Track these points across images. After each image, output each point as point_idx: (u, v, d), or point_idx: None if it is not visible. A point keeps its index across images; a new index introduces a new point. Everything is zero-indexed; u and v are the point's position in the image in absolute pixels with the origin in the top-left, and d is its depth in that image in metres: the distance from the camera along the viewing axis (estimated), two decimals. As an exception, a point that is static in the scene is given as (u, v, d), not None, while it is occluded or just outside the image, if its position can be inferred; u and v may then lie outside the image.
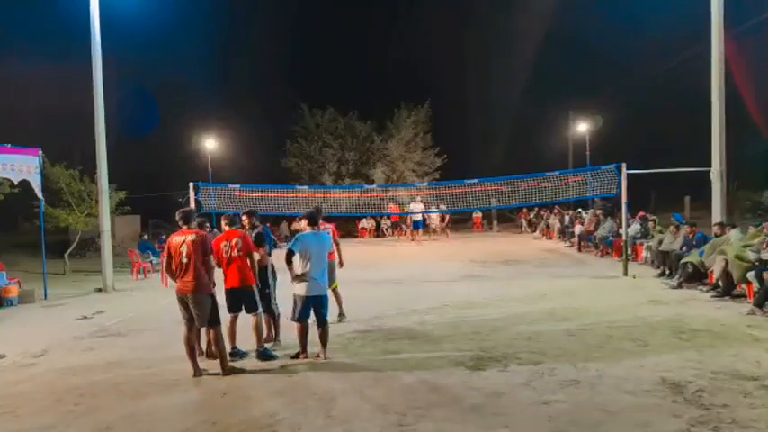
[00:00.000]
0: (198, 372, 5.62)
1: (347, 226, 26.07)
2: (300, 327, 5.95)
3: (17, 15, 32.90)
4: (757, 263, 8.12)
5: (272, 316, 6.74)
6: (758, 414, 4.21)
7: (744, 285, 8.42)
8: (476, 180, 15.41)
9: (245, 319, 6.21)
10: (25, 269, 15.57)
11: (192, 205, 11.91)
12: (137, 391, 5.34)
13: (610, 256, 14.62)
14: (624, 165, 11.40)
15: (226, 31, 44.39)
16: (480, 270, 13.24)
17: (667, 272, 10.99)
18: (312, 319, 5.99)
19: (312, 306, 5.93)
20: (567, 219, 19.63)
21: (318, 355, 6.02)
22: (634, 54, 31.61)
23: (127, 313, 9.42)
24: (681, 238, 11.11)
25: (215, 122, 31.82)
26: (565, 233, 19.10)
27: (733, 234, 9.47)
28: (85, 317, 9.29)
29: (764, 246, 8.28)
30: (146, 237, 18.79)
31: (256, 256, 6.24)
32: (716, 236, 9.93)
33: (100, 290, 12.34)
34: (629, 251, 12.64)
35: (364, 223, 26.80)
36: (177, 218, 5.72)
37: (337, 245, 7.79)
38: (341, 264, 7.92)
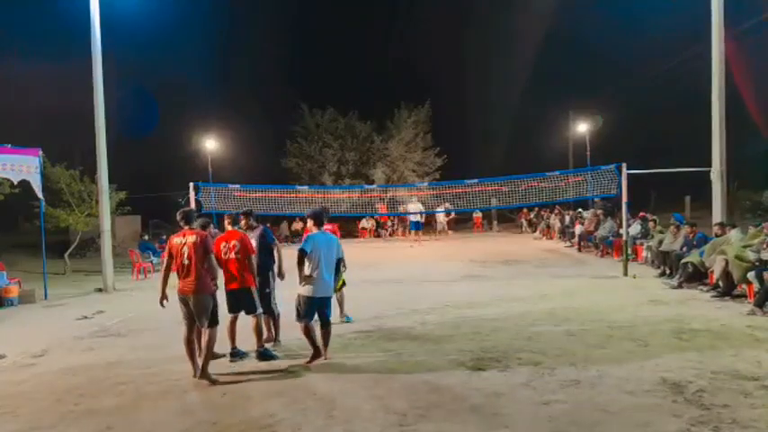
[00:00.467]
0: (198, 372, 5.60)
1: (347, 226, 26.07)
2: (305, 327, 5.85)
3: (17, 15, 32.93)
4: (757, 263, 8.12)
5: (272, 316, 6.74)
6: (758, 414, 4.21)
7: (744, 285, 8.42)
8: (476, 180, 15.40)
9: (246, 320, 6.21)
10: (25, 269, 15.57)
11: (193, 205, 11.90)
12: (137, 391, 5.34)
13: (610, 256, 14.61)
14: (624, 165, 11.40)
15: (226, 31, 44.47)
16: (480, 270, 13.24)
17: (668, 272, 10.99)
18: (315, 318, 5.96)
19: (317, 308, 5.88)
20: (567, 219, 19.64)
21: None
22: (634, 54, 31.67)
23: (127, 313, 9.42)
24: (681, 238, 11.11)
25: (215, 122, 31.90)
26: (565, 233, 19.11)
27: (733, 234, 9.47)
28: (86, 317, 9.29)
29: (765, 246, 8.27)
30: (146, 237, 18.82)
31: (254, 258, 6.22)
32: (716, 236, 9.93)
33: (100, 290, 12.34)
34: (630, 251, 12.64)
35: (364, 223, 26.80)
36: (178, 218, 5.70)
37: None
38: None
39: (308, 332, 5.88)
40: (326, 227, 7.64)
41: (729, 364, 5.39)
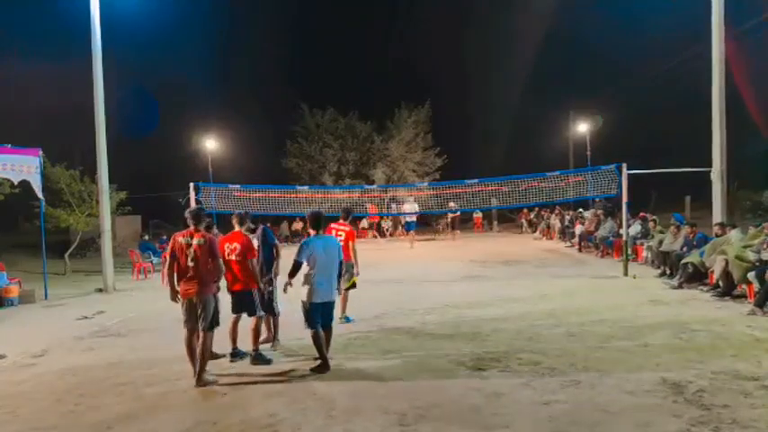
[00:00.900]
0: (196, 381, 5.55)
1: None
2: (314, 334, 5.70)
3: (17, 15, 32.92)
4: (758, 263, 8.12)
5: (273, 315, 6.73)
6: (759, 414, 4.21)
7: (744, 285, 8.41)
8: (476, 180, 15.40)
9: (247, 321, 6.19)
10: (25, 269, 15.58)
11: (193, 205, 11.90)
12: (137, 391, 5.34)
13: (610, 256, 14.61)
14: (624, 165, 11.40)
15: (226, 31, 44.41)
16: (481, 270, 13.24)
17: (668, 272, 10.99)
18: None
19: (320, 312, 5.78)
20: (567, 219, 19.63)
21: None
22: (634, 54, 31.66)
23: (127, 313, 9.42)
24: (681, 239, 11.11)
25: (215, 122, 31.89)
26: (565, 233, 19.10)
27: (733, 234, 9.47)
28: (86, 317, 9.29)
29: (765, 246, 8.27)
30: (146, 237, 18.83)
31: (255, 262, 6.20)
32: (716, 236, 9.92)
33: (100, 290, 12.34)
34: (630, 251, 12.63)
35: (365, 223, 26.80)
36: (187, 217, 5.53)
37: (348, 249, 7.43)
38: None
39: (317, 340, 5.70)
40: (343, 227, 7.61)
41: (729, 364, 5.39)
